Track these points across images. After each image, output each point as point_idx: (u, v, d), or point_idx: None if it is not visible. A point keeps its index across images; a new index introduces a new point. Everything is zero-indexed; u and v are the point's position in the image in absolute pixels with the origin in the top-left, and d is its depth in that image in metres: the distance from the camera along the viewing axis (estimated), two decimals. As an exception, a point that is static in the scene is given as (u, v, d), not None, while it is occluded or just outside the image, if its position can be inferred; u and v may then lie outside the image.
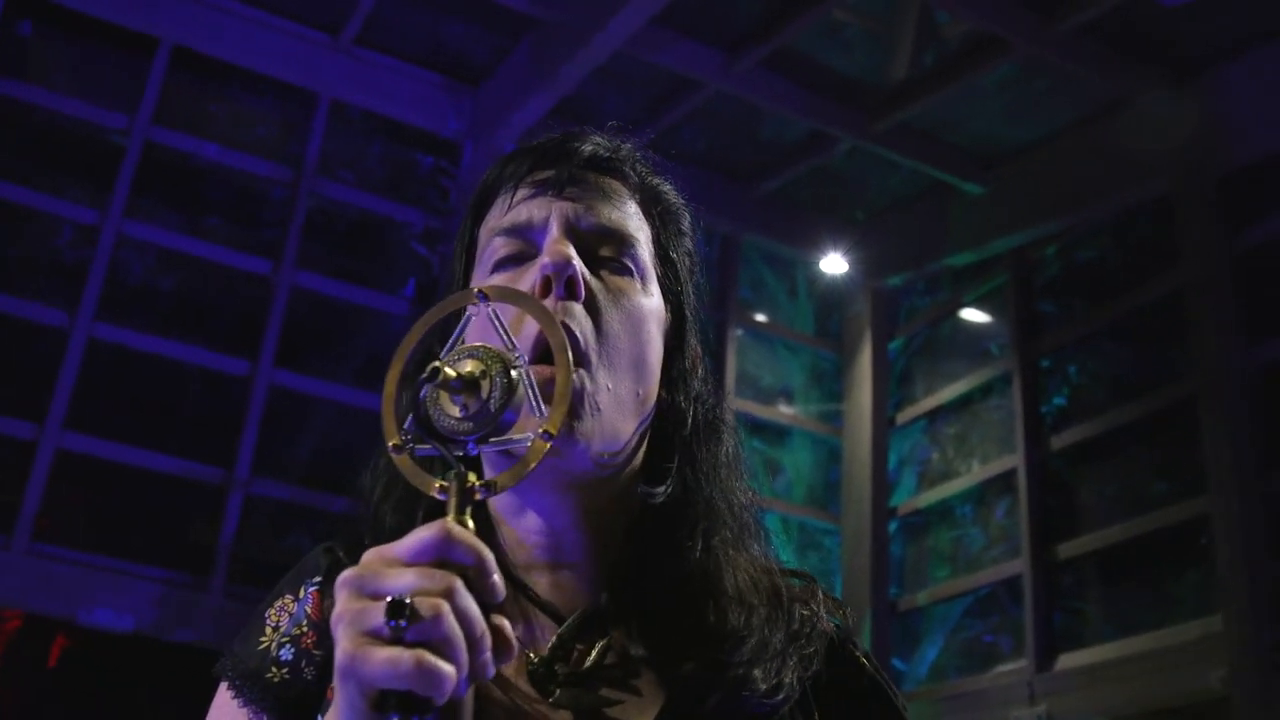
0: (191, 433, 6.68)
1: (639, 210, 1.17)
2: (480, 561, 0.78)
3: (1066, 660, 6.61)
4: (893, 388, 8.36)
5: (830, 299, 8.68)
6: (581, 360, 1.02)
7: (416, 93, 7.51)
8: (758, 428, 8.29)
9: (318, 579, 1.13)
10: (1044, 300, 7.60)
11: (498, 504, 1.10)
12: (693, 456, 1.13)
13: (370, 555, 0.79)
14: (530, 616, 1.06)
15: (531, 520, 1.08)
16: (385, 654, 0.73)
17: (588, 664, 1.03)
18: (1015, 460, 7.14)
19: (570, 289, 1.04)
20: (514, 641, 0.81)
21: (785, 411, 8.51)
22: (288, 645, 1.09)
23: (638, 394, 1.08)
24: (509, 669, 1.02)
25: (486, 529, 1.08)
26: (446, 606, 0.74)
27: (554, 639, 1.04)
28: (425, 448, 0.86)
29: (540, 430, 0.85)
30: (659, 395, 1.12)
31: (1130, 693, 6.17)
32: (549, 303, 1.02)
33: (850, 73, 7.04)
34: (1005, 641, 7.18)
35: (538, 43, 6.88)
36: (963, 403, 7.78)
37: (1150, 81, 6.53)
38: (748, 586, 1.09)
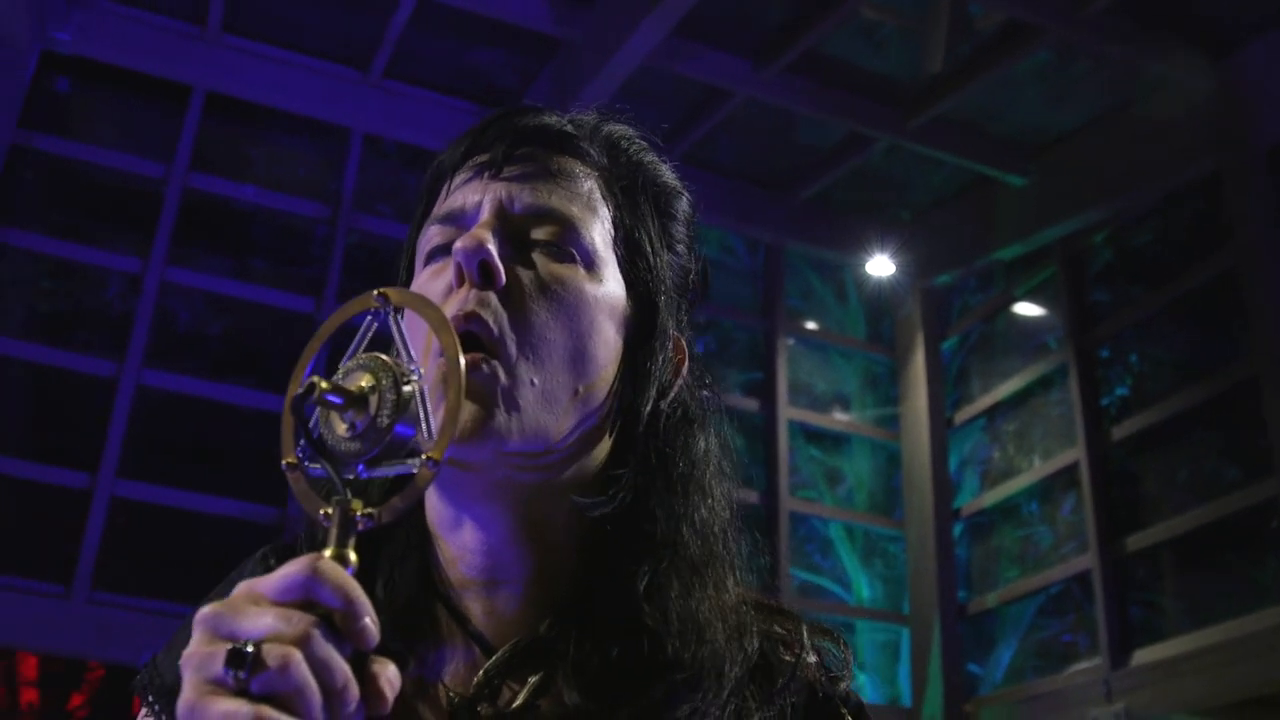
0: (243, 473, 6.93)
1: (596, 189, 1.07)
2: (349, 603, 0.72)
3: (1143, 655, 6.66)
4: (949, 388, 8.47)
5: (880, 302, 8.82)
6: (495, 352, 0.95)
7: (448, 121, 7.74)
8: (815, 436, 8.44)
9: None
10: (1098, 289, 7.68)
11: (433, 515, 1.03)
12: (651, 464, 1.04)
13: (240, 589, 0.74)
14: (461, 645, 0.99)
15: (468, 535, 1.00)
16: (222, 707, 0.68)
17: (515, 705, 0.94)
18: (1077, 453, 7.21)
19: (485, 275, 0.97)
20: (389, 691, 0.74)
21: (841, 418, 8.65)
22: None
23: (575, 390, 0.99)
24: (430, 703, 0.96)
25: (421, 542, 1.02)
26: (298, 655, 0.68)
27: (480, 675, 0.95)
28: (318, 469, 0.81)
29: (425, 457, 0.79)
30: (616, 391, 1.03)
31: (1211, 685, 6.21)
32: (462, 294, 0.96)
33: (882, 71, 7.20)
34: (1082, 640, 7.24)
35: (563, 63, 7.11)
36: (1021, 398, 7.88)
37: (1187, 57, 6.62)
38: (704, 620, 0.98)
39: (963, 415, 8.28)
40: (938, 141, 7.49)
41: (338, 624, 0.71)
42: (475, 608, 0.99)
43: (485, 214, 1.01)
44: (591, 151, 1.09)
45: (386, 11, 6.96)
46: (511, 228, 1.01)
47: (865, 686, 8.01)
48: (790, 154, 8.19)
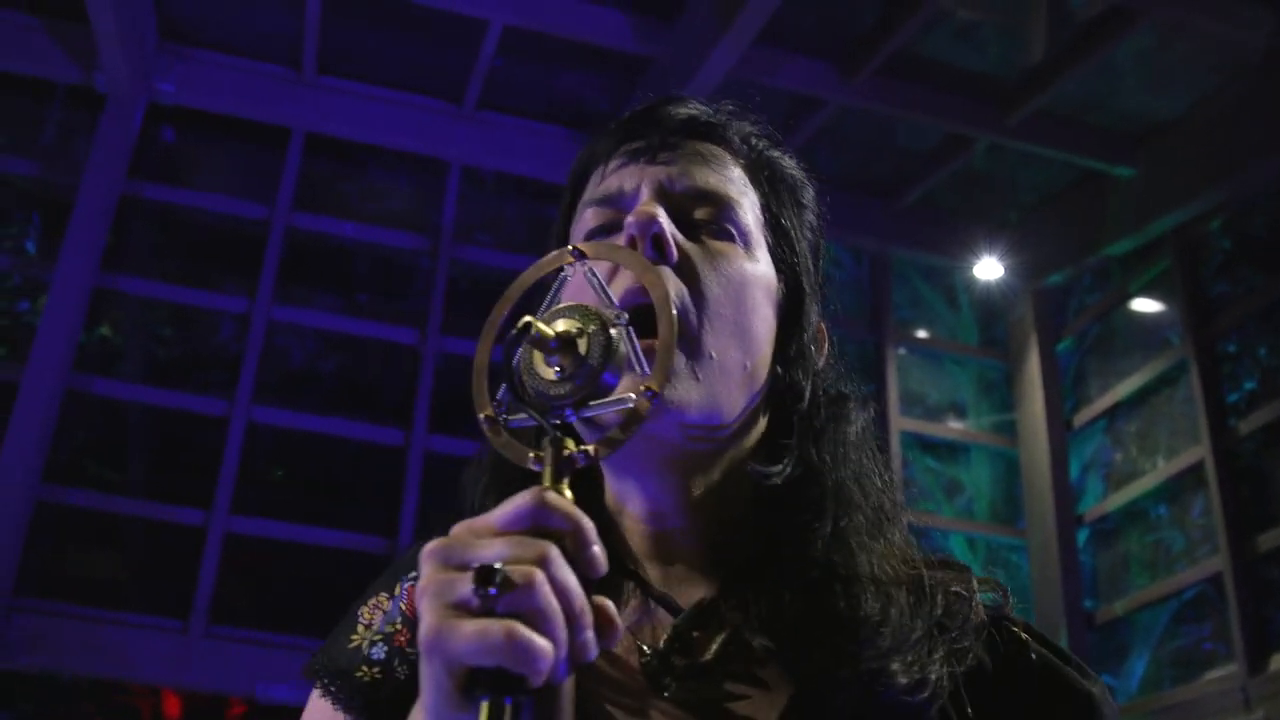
0: (354, 506, 7.27)
1: (744, 176, 1.16)
2: (578, 529, 0.75)
3: (1282, 660, 6.60)
4: (1067, 390, 8.48)
5: (991, 306, 8.87)
6: (679, 324, 0.98)
7: (544, 148, 8.01)
8: (930, 446, 8.51)
9: (414, 574, 1.10)
10: (1217, 279, 7.64)
11: (611, 498, 1.10)
12: (814, 435, 1.10)
13: (459, 527, 0.77)
14: (646, 610, 1.05)
15: (644, 509, 1.07)
16: (473, 626, 0.70)
17: (707, 656, 1.00)
18: (1202, 451, 7.18)
19: (659, 248, 1.03)
20: (619, 622, 0.77)
21: (957, 427, 8.71)
22: (380, 643, 1.08)
23: (745, 365, 1.06)
24: (621, 663, 1.01)
25: (601, 523, 0.98)
26: (541, 575, 0.71)
27: (670, 630, 1.01)
28: (520, 418, 0.85)
29: (642, 388, 0.83)
30: (774, 370, 1.11)
31: (1357, 687, 6.14)
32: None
33: (976, 68, 7.30)
34: (1221, 647, 7.17)
35: (650, 81, 7.34)
36: (1142, 397, 7.87)
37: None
38: (885, 574, 1.04)
39: (1082, 418, 8.28)
40: (1040, 137, 7.55)
41: (568, 550, 0.74)
42: (654, 574, 1.06)
43: (646, 194, 1.09)
44: (735, 140, 1.19)
45: (474, 43, 7.28)
46: (674, 207, 1.09)
47: (994, 702, 8.03)
48: (890, 160, 8.32)
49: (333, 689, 1.07)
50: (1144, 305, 8.14)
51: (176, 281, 7.48)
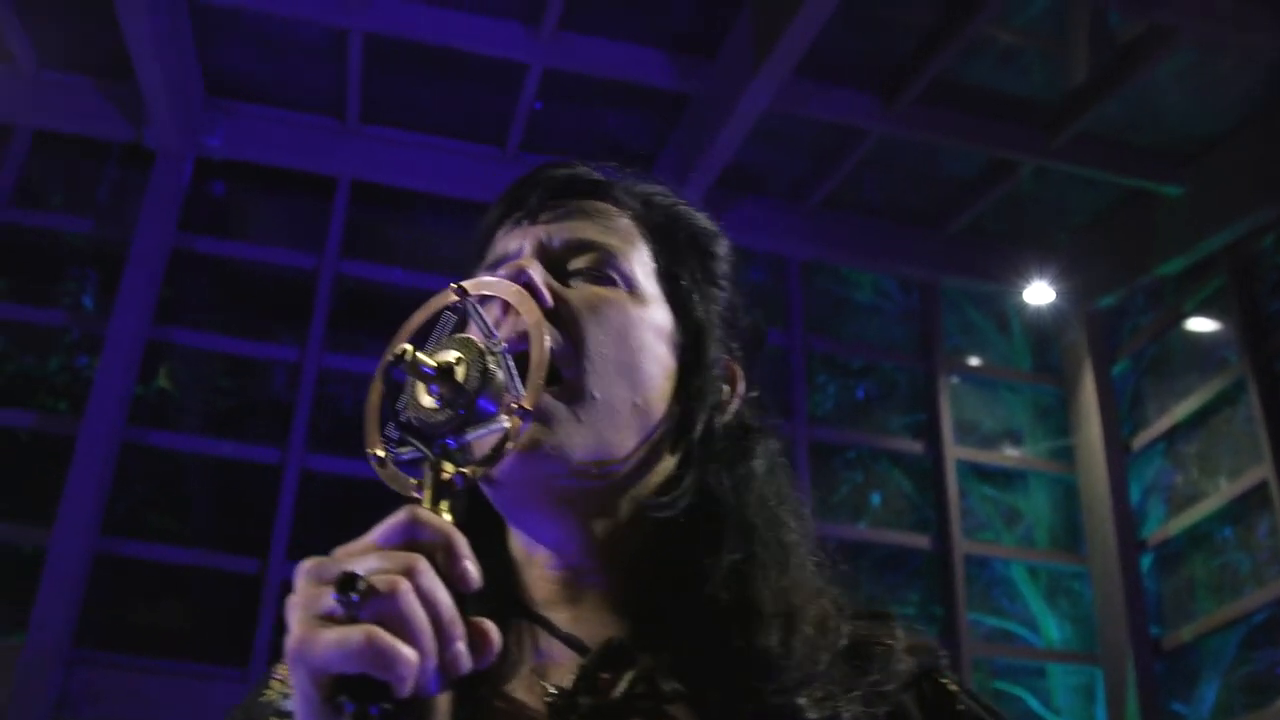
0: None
1: (632, 226, 1.18)
2: (450, 544, 0.77)
3: (1356, 681, 6.48)
4: (1124, 413, 8.40)
5: (1044, 330, 8.82)
6: (554, 374, 1.03)
7: None
8: (987, 475, 8.45)
9: None
10: (1274, 296, 7.56)
11: (514, 544, 1.11)
12: (716, 469, 1.11)
13: (340, 549, 0.79)
14: (553, 652, 1.05)
15: (546, 556, 1.08)
16: (334, 634, 0.72)
17: (615, 695, 0.99)
18: (1265, 471, 7.08)
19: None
20: (495, 639, 0.79)
21: (1013, 454, 8.65)
22: (291, 696, 1.07)
23: (634, 404, 1.07)
24: (526, 704, 1.01)
25: (504, 572, 1.10)
26: (405, 584, 0.73)
27: (578, 670, 1.01)
28: (408, 452, 0.88)
29: (514, 406, 0.87)
30: (674, 409, 1.12)
31: None
32: (511, 319, 1.04)
33: (1017, 92, 7.30)
34: (1296, 671, 7.07)
35: (693, 118, 7.38)
36: (1201, 418, 7.78)
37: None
38: (788, 607, 1.04)
39: (1140, 441, 8.19)
40: (1085, 159, 7.52)
41: (439, 565, 0.76)
42: (562, 617, 1.06)
43: (525, 250, 1.12)
44: (623, 197, 1.21)
45: (515, 87, 7.37)
46: (553, 261, 1.12)
47: (1062, 732, 7.93)
48: (935, 187, 8.31)
49: None
50: (1199, 324, 8.06)
51: (229, 332, 7.60)
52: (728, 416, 1.16)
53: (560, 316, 1.06)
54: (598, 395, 1.04)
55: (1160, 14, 6.33)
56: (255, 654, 6.56)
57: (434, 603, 0.74)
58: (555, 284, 1.08)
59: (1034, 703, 7.98)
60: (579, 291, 1.10)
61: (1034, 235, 8.53)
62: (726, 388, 1.18)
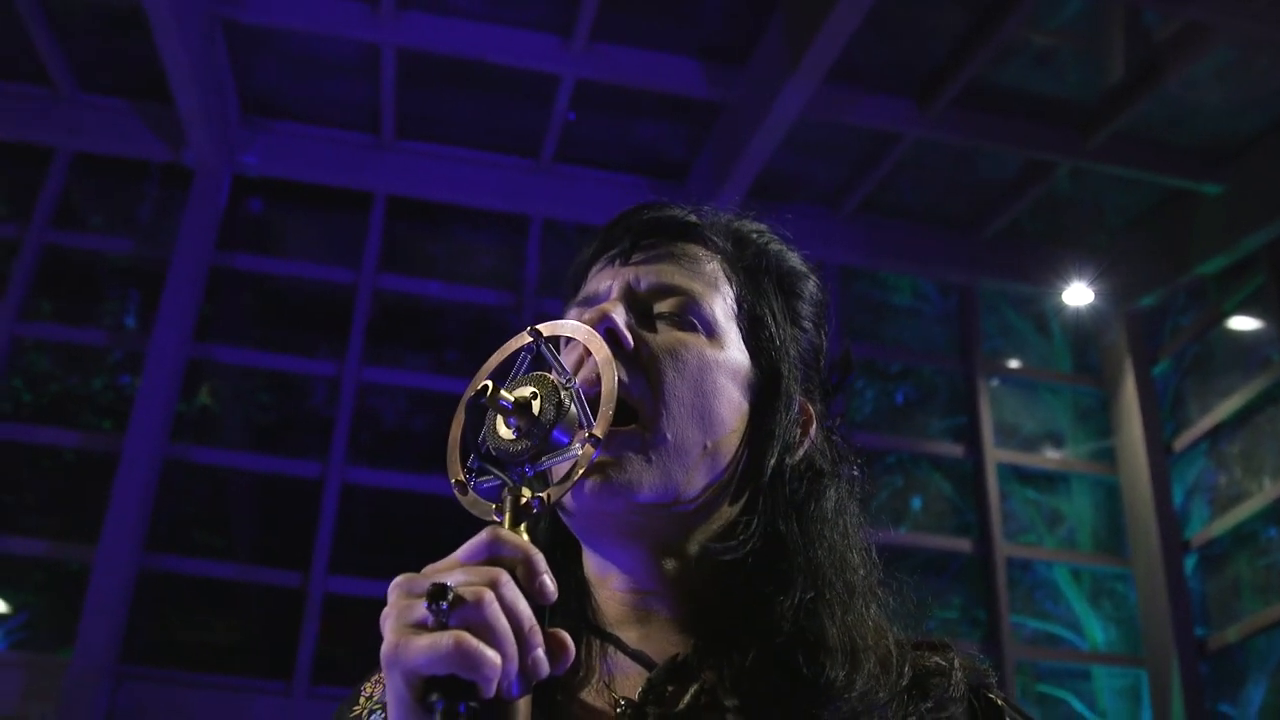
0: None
1: (719, 269, 1.23)
2: (529, 560, 0.85)
3: None
4: (1166, 413, 8.33)
5: (1083, 332, 8.75)
6: (631, 412, 1.10)
7: (622, 199, 7.95)
8: (1028, 477, 8.39)
9: None
10: (1317, 292, 7.47)
11: (589, 567, 1.18)
12: (785, 511, 1.16)
13: (429, 566, 0.86)
14: (622, 667, 1.11)
15: (617, 579, 1.15)
16: (426, 639, 0.80)
17: (680, 707, 1.06)
18: (1310, 469, 7.01)
19: (613, 341, 1.10)
20: (571, 648, 0.86)
21: (1054, 457, 8.58)
22: (378, 711, 1.15)
23: (705, 445, 1.12)
24: (597, 714, 1.08)
25: (580, 591, 1.17)
26: (490, 594, 0.81)
27: (645, 683, 1.07)
28: (487, 480, 0.95)
29: (586, 435, 0.95)
30: (745, 451, 1.17)
31: None
32: (592, 360, 1.07)
33: (1052, 94, 7.24)
34: (1344, 672, 6.97)
35: (726, 126, 7.37)
36: (1244, 417, 7.69)
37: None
38: (853, 644, 1.08)
39: (1183, 441, 8.11)
40: (1122, 159, 7.46)
41: (519, 579, 0.84)
42: (631, 636, 1.13)
43: (614, 293, 1.19)
44: (714, 238, 1.26)
45: (548, 98, 7.38)
46: (638, 304, 1.18)
47: (1108, 736, 7.86)
48: (972, 190, 8.26)
49: None
50: (1241, 323, 7.98)
51: (269, 348, 7.66)
52: (798, 458, 1.21)
53: (640, 359, 1.12)
54: (670, 437, 1.10)
55: (1196, 11, 6.26)
56: (298, 667, 6.60)
57: (515, 612, 0.82)
58: (636, 328, 1.14)
59: (1079, 705, 7.92)
60: (659, 336, 1.15)
61: (1072, 236, 8.46)
62: (799, 429, 1.22)
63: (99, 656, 6.30)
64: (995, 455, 8.18)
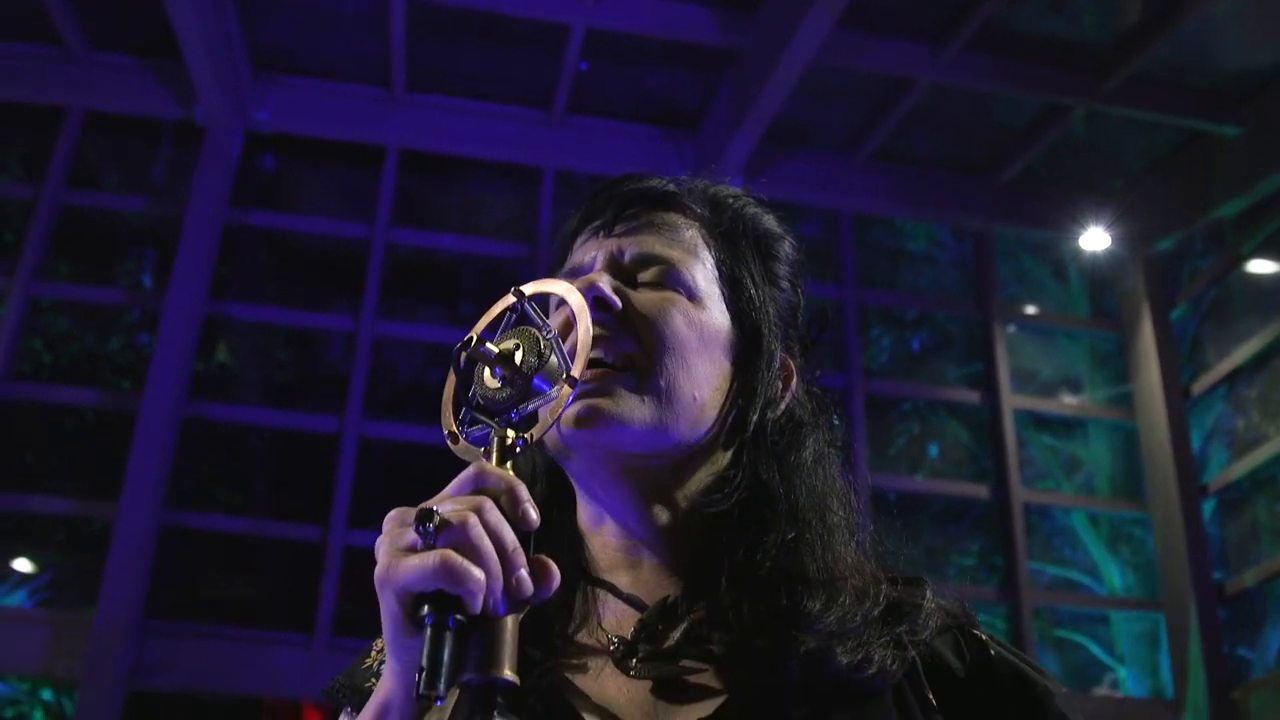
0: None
1: (698, 236, 1.28)
2: (511, 489, 0.90)
3: None
4: (1184, 358, 8.27)
5: (1101, 277, 8.68)
6: (622, 364, 1.16)
7: (637, 148, 8.02)
8: (1046, 423, 8.36)
9: None
10: (1336, 233, 7.38)
11: (582, 516, 1.24)
12: (767, 461, 1.22)
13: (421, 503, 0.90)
14: (615, 610, 1.17)
15: (610, 529, 1.21)
16: (415, 558, 0.85)
17: (669, 643, 1.13)
18: (1329, 412, 6.95)
19: (600, 307, 1.16)
20: (555, 573, 0.91)
21: (1072, 402, 8.55)
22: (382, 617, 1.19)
23: (694, 397, 1.18)
24: (591, 651, 1.14)
25: (572, 541, 1.23)
26: (474, 518, 0.86)
27: (636, 623, 1.14)
28: (478, 429, 1.01)
29: (564, 376, 1.00)
30: (729, 408, 1.23)
31: None
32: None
33: (1067, 36, 7.13)
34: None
35: (738, 74, 7.30)
36: (1262, 360, 7.62)
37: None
38: (830, 578, 1.15)
39: (1201, 385, 8.05)
40: (1139, 101, 7.35)
41: (504, 507, 0.89)
42: (623, 581, 1.19)
43: (599, 263, 1.25)
44: (692, 206, 1.31)
45: (559, 48, 7.31)
46: (622, 273, 1.24)
47: (1126, 680, 7.87)
48: (987, 135, 8.17)
49: (343, 701, 1.21)
50: (1259, 266, 7.89)
51: (284, 304, 7.65)
52: (779, 411, 1.27)
53: (627, 318, 1.18)
54: (663, 384, 1.17)
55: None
56: (319, 620, 6.64)
57: (499, 535, 0.87)
58: (625, 290, 1.21)
59: (1097, 650, 7.92)
60: (643, 296, 1.21)
61: (1088, 181, 8.37)
62: (780, 384, 1.29)
63: (123, 612, 6.35)
64: (1012, 401, 8.14)
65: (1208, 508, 7.85)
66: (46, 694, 6.87)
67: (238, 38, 7.30)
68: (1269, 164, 7.25)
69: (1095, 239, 8.30)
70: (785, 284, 1.33)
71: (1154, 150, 8.10)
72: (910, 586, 1.19)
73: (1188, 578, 7.53)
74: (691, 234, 1.28)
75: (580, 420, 1.13)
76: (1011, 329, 8.56)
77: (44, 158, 7.44)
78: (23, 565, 6.97)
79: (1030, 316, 8.73)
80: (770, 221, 1.35)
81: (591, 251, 1.27)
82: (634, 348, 1.17)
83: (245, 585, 7.26)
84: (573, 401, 1.05)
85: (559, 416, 1.00)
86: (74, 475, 7.18)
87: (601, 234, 1.27)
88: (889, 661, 1.09)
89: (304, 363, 7.84)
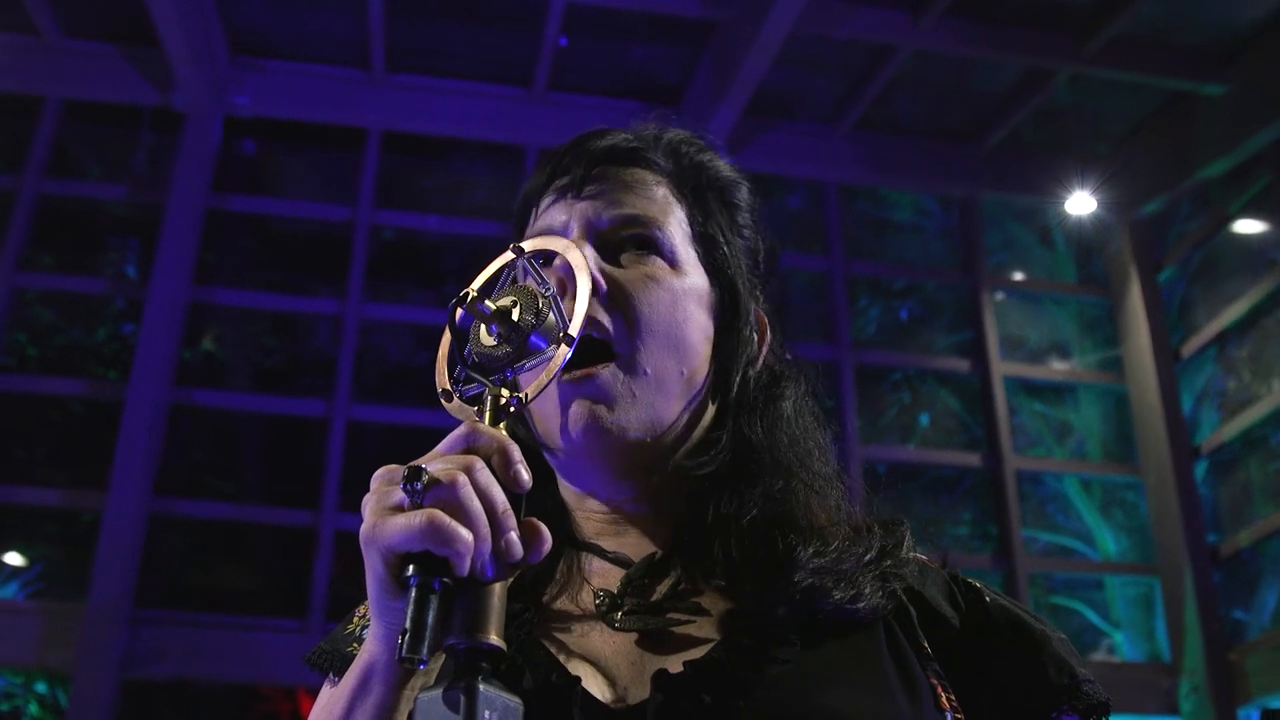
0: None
1: (668, 193, 1.24)
2: (503, 449, 0.88)
3: None
4: (1173, 321, 8.22)
5: (1087, 241, 8.62)
6: (612, 351, 1.12)
7: (618, 123, 7.81)
8: (1036, 390, 8.32)
9: None
10: (1323, 191, 7.32)
11: (566, 493, 1.20)
12: (749, 415, 1.21)
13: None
14: (602, 571, 1.14)
15: (595, 502, 1.18)
16: (402, 517, 0.82)
17: (656, 597, 1.10)
18: (1319, 370, 6.90)
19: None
20: (546, 536, 0.88)
21: (1061, 368, 8.50)
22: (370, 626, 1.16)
23: (681, 373, 1.15)
24: (579, 605, 1.11)
25: (558, 512, 1.19)
26: (463, 476, 0.83)
27: (623, 577, 1.12)
28: (472, 388, 0.98)
29: (561, 334, 0.98)
30: (713, 367, 1.20)
31: None
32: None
33: (1046, -1, 7.04)
34: (1357, 572, 6.92)
35: (719, 46, 7.22)
36: (1251, 320, 7.58)
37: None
38: (820, 523, 1.14)
39: (1190, 347, 8.01)
40: (1121, 63, 7.29)
41: (495, 467, 0.87)
42: (609, 544, 1.16)
43: (575, 230, 1.19)
44: (659, 160, 1.26)
45: (538, 25, 7.22)
46: (600, 239, 1.18)
47: (1122, 645, 7.83)
48: (969, 102, 8.10)
49: (327, 667, 1.17)
50: (1246, 226, 7.84)
51: (270, 289, 7.57)
52: (759, 367, 1.25)
53: (613, 298, 1.14)
54: (650, 371, 1.13)
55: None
56: (313, 605, 6.58)
57: (488, 496, 0.84)
58: (607, 267, 1.16)
59: (1093, 616, 7.89)
60: (627, 273, 1.17)
61: (1073, 145, 8.31)
62: (757, 338, 1.26)
63: (114, 602, 6.29)
64: (1002, 369, 8.09)
65: (1200, 470, 7.81)
66: (41, 686, 6.81)
67: (215, 22, 7.20)
68: (1253, 122, 7.19)
69: (1081, 203, 8.24)
70: (748, 232, 1.30)
71: (1138, 112, 8.04)
72: (890, 525, 1.18)
73: (1182, 541, 7.49)
74: (663, 191, 1.24)
75: (581, 430, 1.10)
76: (1000, 296, 8.50)
77: (23, 148, 7.36)
78: (14, 559, 6.91)
79: (1018, 283, 8.68)
80: (726, 167, 1.31)
81: (562, 215, 1.21)
82: (620, 330, 1.13)
83: (237, 572, 7.19)
84: (569, 363, 1.00)
85: (555, 374, 0.97)
86: (63, 467, 7.11)
87: (570, 195, 1.21)
88: (878, 594, 1.08)
89: (290, 348, 7.76)
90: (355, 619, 1.21)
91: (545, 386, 0.96)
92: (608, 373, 1.11)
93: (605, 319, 1.12)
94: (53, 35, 7.30)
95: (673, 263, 1.19)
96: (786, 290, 8.28)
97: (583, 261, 1.05)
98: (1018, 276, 8.74)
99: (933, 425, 8.23)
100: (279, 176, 8.15)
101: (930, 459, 7.91)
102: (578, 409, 1.10)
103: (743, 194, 1.31)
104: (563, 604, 1.12)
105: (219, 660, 6.48)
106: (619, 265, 1.17)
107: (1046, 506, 8.14)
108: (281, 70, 7.64)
